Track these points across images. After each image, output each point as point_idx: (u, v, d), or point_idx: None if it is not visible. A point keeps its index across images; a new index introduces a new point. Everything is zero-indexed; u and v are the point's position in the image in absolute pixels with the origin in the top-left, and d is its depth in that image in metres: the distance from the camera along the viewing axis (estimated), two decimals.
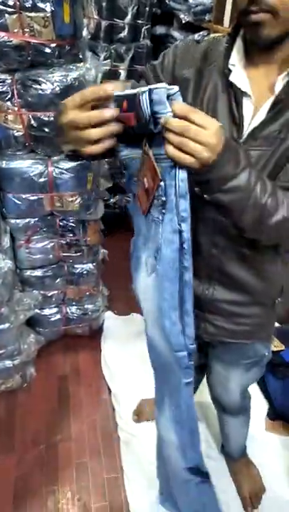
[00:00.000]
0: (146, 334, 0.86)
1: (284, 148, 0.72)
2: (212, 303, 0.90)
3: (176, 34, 2.46)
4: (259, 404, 1.61)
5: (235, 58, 0.74)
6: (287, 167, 0.72)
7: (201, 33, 1.99)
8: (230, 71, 0.73)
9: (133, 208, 0.78)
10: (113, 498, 1.36)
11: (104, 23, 2.16)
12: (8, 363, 1.57)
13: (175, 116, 0.57)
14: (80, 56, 1.33)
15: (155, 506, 1.31)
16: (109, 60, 1.77)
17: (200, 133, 0.56)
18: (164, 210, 0.66)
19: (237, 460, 1.38)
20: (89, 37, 1.99)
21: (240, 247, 0.81)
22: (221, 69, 0.74)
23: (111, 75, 2.26)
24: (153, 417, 1.52)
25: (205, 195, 0.66)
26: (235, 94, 0.73)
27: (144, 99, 0.58)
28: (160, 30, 2.61)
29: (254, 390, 1.66)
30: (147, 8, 2.24)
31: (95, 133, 0.60)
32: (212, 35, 0.84)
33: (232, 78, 0.72)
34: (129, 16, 2.20)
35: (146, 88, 0.59)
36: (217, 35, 0.83)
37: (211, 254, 0.84)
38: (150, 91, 0.58)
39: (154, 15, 2.44)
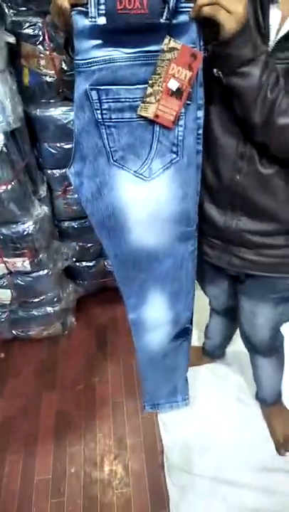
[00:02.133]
0: (128, 241, 0.86)
1: None
2: (236, 233, 0.87)
3: None
4: None
5: None
6: None
7: None
8: None
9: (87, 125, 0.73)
10: (147, 435, 1.41)
11: None
12: (48, 309, 1.65)
13: None
14: None
15: (187, 445, 1.35)
16: None
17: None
18: (188, 102, 0.69)
19: (271, 405, 1.37)
20: None
21: (264, 171, 0.77)
22: None
23: None
24: (192, 363, 1.53)
25: (221, 76, 0.68)
26: (261, 2, 0.67)
27: None
28: None
29: None
30: None
31: None
32: None
33: None
34: None
35: None
36: None
37: (234, 181, 0.81)
38: None
39: None
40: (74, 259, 1.69)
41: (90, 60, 0.66)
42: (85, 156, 0.76)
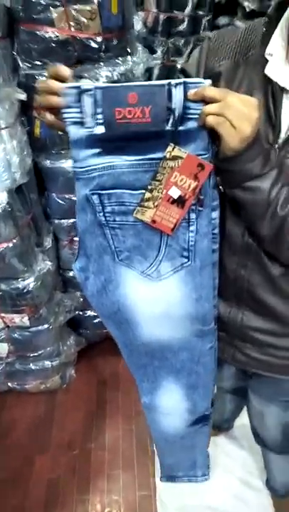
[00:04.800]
0: (138, 335, 0.80)
1: None
2: (242, 329, 0.78)
3: (239, 24, 2.30)
4: None
5: (275, 46, 0.60)
6: None
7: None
8: (266, 61, 0.60)
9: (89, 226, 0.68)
10: None
11: (162, 16, 2.07)
12: (47, 363, 1.56)
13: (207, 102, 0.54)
14: (129, 50, 1.26)
15: None
16: (159, 53, 1.67)
17: (238, 114, 0.52)
18: (200, 208, 0.64)
19: (283, 498, 1.23)
20: (144, 30, 1.92)
21: (270, 269, 0.69)
22: (258, 59, 0.62)
23: (167, 71, 2.17)
24: None
25: (224, 188, 0.62)
26: (272, 90, 0.61)
27: (177, 93, 0.55)
28: (223, 20, 2.46)
29: None
30: None
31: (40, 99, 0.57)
32: (256, 20, 0.70)
33: (268, 70, 0.60)
34: (189, 7, 2.08)
35: (180, 80, 0.55)
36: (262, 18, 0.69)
37: (239, 275, 0.73)
38: (185, 84, 0.55)
39: (217, 4, 2.30)
40: (76, 312, 1.61)
41: (88, 168, 0.60)
42: (89, 254, 0.70)
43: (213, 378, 0.89)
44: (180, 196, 0.61)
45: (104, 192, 0.61)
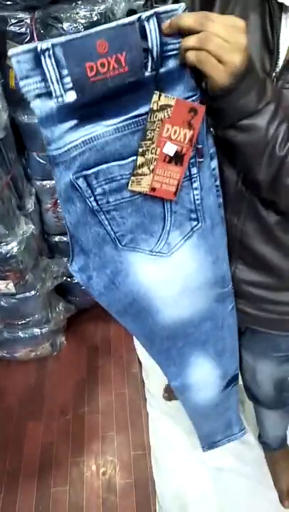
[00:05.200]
0: (157, 320, 0.75)
1: None
2: (235, 284, 0.74)
3: None
4: None
5: None
6: None
7: None
8: None
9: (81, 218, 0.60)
10: (139, 476, 1.30)
11: None
12: (36, 331, 1.52)
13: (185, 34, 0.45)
14: None
15: (182, 490, 1.24)
16: None
17: (222, 46, 0.44)
18: (200, 159, 0.57)
19: (275, 451, 1.25)
20: None
21: (265, 217, 0.64)
22: None
23: None
24: None
25: (215, 130, 0.55)
26: (270, 9, 0.53)
27: (152, 28, 0.46)
28: None
29: None
30: None
31: None
32: None
33: None
34: None
35: (150, 12, 0.45)
36: None
37: (232, 224, 0.67)
38: (158, 15, 0.45)
39: None
40: (64, 278, 1.56)
41: (67, 148, 0.51)
42: (87, 249, 0.62)
43: (237, 339, 0.86)
44: (177, 152, 0.54)
45: (89, 172, 0.53)
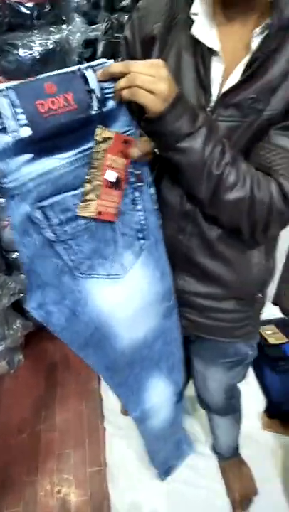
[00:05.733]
0: (116, 347, 0.78)
1: (262, 122, 0.59)
2: (182, 295, 0.79)
3: None
4: (257, 401, 1.51)
5: (199, 5, 0.60)
6: (261, 144, 0.61)
7: None
8: (193, 22, 0.60)
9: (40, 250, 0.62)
10: (94, 492, 1.29)
11: None
12: None
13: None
14: (64, 18, 1.21)
15: (136, 504, 1.24)
16: (100, 25, 1.63)
17: (147, 79, 0.51)
18: (140, 184, 0.64)
19: (228, 459, 1.28)
20: (85, 3, 1.86)
21: (207, 232, 0.70)
22: (186, 20, 0.61)
23: (113, 47, 2.12)
24: None
25: (160, 152, 0.61)
26: (201, 52, 0.60)
27: (90, 75, 0.54)
28: None
29: (252, 385, 1.56)
30: None
31: None
32: None
33: (194, 31, 0.60)
34: None
35: (86, 65, 0.54)
36: None
37: (178, 240, 0.73)
38: (92, 67, 0.54)
39: None
40: (22, 294, 1.56)
41: (23, 180, 0.55)
42: (45, 283, 0.64)
43: (182, 350, 0.90)
44: (117, 178, 0.60)
45: (46, 203, 0.56)
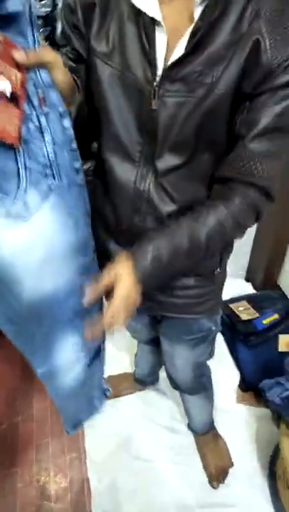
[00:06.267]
0: (21, 298, 0.71)
1: (217, 100, 0.57)
2: None
3: None
4: (231, 376, 1.54)
5: None
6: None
7: None
8: None
9: None
10: (74, 479, 1.30)
11: None
12: None
13: None
14: None
15: (116, 486, 1.26)
16: (46, 1, 1.55)
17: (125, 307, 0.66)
18: (45, 108, 0.58)
19: (203, 435, 1.31)
20: None
21: (163, 211, 0.69)
22: None
23: None
24: (117, 394, 1.45)
25: None
26: (144, 22, 0.57)
27: None
28: None
29: (227, 360, 1.58)
30: None
31: None
32: None
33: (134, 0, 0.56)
34: None
35: None
36: None
37: (134, 221, 0.72)
38: None
39: None
40: None
41: None
42: None
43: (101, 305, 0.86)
44: (13, 93, 0.52)
45: None
